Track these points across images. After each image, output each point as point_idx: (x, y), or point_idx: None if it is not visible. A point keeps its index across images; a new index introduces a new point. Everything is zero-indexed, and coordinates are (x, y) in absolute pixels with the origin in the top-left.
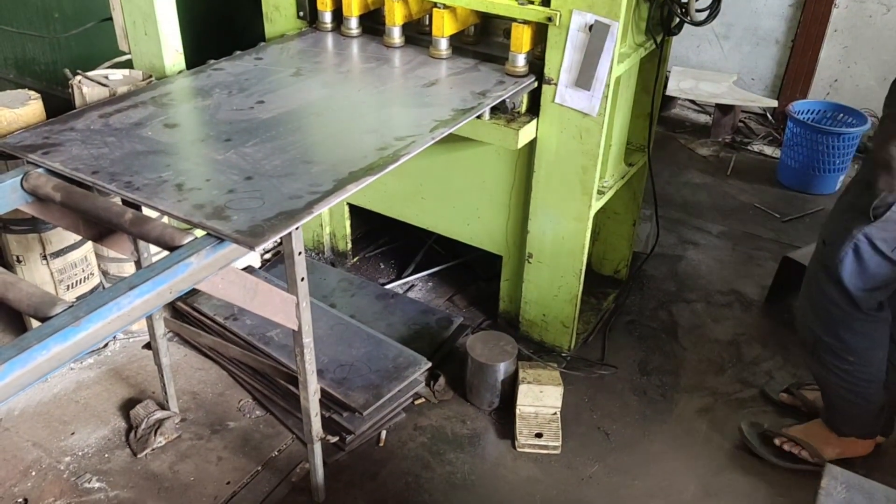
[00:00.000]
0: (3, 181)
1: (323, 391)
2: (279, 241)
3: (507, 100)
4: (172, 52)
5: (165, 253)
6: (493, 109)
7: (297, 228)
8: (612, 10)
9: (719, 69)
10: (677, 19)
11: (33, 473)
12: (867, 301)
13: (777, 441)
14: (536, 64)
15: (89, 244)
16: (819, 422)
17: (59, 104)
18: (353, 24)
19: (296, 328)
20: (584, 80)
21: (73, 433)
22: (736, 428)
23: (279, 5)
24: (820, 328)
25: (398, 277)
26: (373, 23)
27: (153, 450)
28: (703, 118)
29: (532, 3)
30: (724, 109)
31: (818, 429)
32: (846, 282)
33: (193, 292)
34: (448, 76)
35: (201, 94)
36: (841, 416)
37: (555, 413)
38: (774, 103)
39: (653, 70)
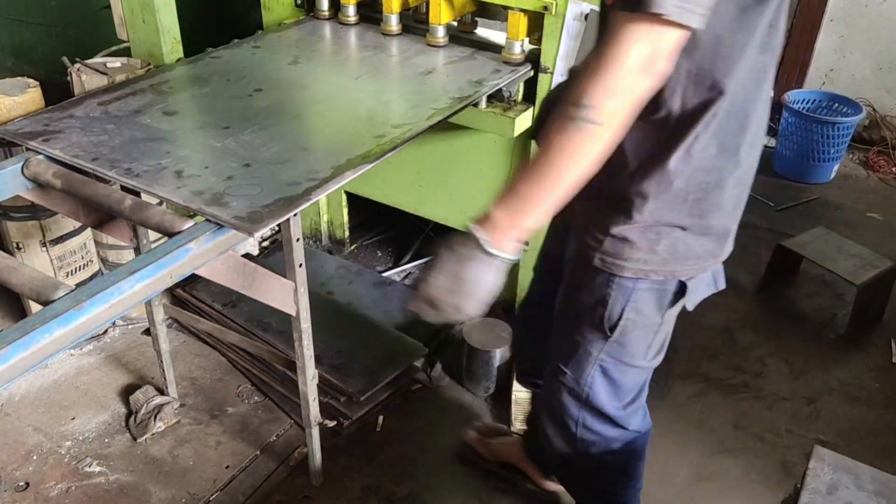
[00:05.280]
0: (4, 168)
1: (321, 377)
2: (277, 228)
3: (504, 88)
4: (171, 40)
5: (164, 240)
6: (490, 98)
7: (295, 215)
8: None
9: None
10: None
11: (34, 458)
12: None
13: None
14: (533, 52)
15: (88, 231)
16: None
17: (57, 92)
18: (351, 12)
19: (294, 314)
20: None
21: (73, 418)
22: (729, 413)
23: None
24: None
25: (395, 265)
26: (370, 11)
27: (153, 435)
28: None
29: None
30: None
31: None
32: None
33: (192, 279)
34: (445, 64)
35: (199, 82)
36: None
37: None
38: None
39: None
